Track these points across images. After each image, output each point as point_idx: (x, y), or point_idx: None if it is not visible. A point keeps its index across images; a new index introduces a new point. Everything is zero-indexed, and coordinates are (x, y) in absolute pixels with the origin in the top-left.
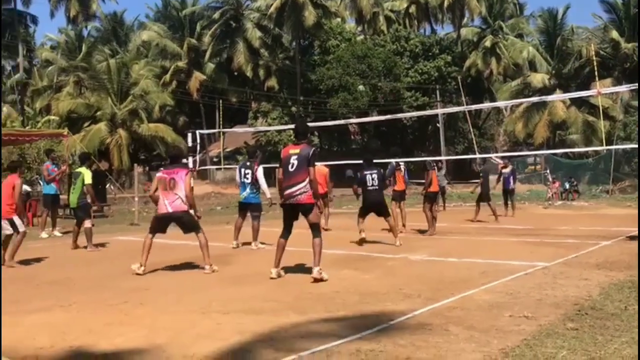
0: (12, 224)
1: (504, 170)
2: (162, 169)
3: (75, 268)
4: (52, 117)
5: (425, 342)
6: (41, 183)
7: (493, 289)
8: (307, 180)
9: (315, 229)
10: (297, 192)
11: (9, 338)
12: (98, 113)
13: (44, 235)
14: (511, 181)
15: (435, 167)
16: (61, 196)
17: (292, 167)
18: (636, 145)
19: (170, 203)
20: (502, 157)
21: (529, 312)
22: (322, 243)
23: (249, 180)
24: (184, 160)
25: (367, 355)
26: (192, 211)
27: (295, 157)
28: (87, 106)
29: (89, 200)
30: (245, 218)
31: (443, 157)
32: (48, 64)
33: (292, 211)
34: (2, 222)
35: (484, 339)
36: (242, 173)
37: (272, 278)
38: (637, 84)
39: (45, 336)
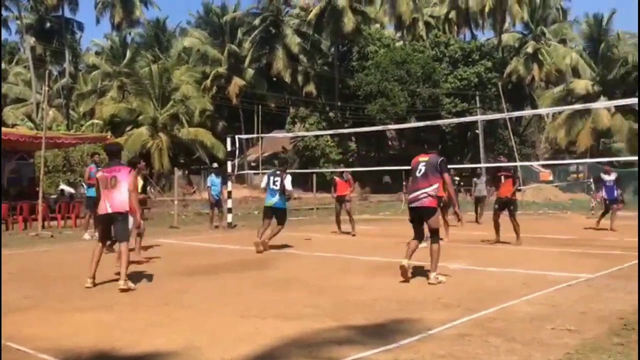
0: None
1: (607, 178)
2: (103, 167)
3: (117, 269)
4: (96, 121)
5: (464, 352)
6: (84, 185)
7: (535, 300)
8: (434, 186)
9: (435, 234)
10: (422, 196)
11: (52, 336)
12: (140, 117)
13: (86, 236)
14: (615, 190)
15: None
16: None
17: (419, 172)
18: None
19: (110, 203)
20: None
21: (572, 325)
22: (440, 250)
23: (277, 188)
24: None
25: None
26: (132, 216)
27: (424, 164)
28: (129, 110)
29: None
30: (270, 222)
31: (482, 165)
32: (93, 68)
33: (416, 214)
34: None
35: (526, 351)
36: (272, 180)
37: (401, 266)
38: None
39: (88, 335)
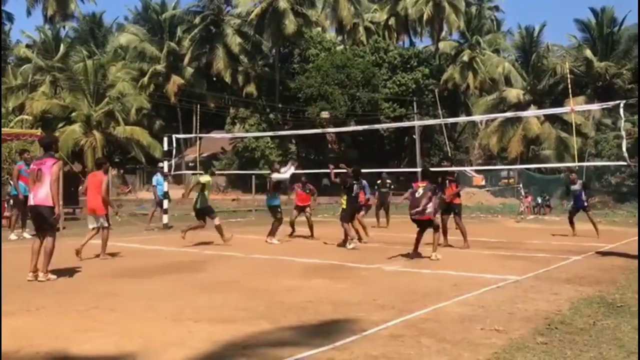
0: (104, 219)
1: (574, 187)
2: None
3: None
4: (26, 117)
5: (397, 353)
6: (11, 184)
7: (465, 301)
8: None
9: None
10: (422, 210)
11: None
12: (73, 114)
13: (12, 236)
14: (582, 197)
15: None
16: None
17: (418, 194)
18: (606, 163)
19: (34, 196)
20: (569, 170)
21: (500, 325)
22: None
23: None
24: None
25: None
26: (57, 208)
27: (422, 189)
28: (62, 107)
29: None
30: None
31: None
32: (23, 62)
33: (419, 224)
34: (98, 217)
35: (456, 351)
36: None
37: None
38: (608, 103)
39: (11, 341)
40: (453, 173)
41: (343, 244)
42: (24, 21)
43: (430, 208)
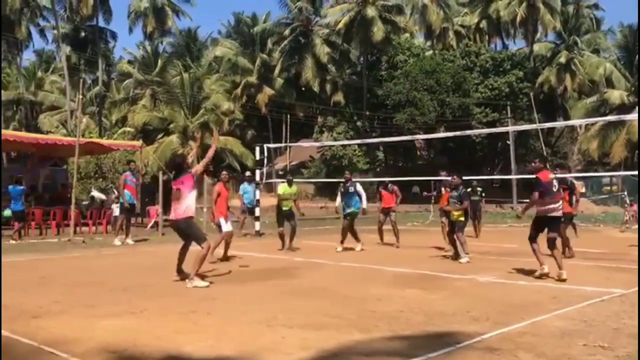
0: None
1: None
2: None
3: (147, 275)
4: (128, 129)
5: None
6: (115, 192)
7: (566, 315)
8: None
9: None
10: (560, 207)
11: (82, 341)
12: (171, 125)
13: (117, 242)
14: None
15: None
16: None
17: (555, 187)
18: None
19: (174, 211)
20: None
21: (604, 341)
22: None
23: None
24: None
25: None
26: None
27: (555, 181)
28: (160, 119)
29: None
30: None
31: (513, 176)
32: (125, 77)
33: (551, 224)
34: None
35: None
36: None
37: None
38: None
39: (117, 341)
40: (566, 180)
41: (456, 257)
42: (126, 38)
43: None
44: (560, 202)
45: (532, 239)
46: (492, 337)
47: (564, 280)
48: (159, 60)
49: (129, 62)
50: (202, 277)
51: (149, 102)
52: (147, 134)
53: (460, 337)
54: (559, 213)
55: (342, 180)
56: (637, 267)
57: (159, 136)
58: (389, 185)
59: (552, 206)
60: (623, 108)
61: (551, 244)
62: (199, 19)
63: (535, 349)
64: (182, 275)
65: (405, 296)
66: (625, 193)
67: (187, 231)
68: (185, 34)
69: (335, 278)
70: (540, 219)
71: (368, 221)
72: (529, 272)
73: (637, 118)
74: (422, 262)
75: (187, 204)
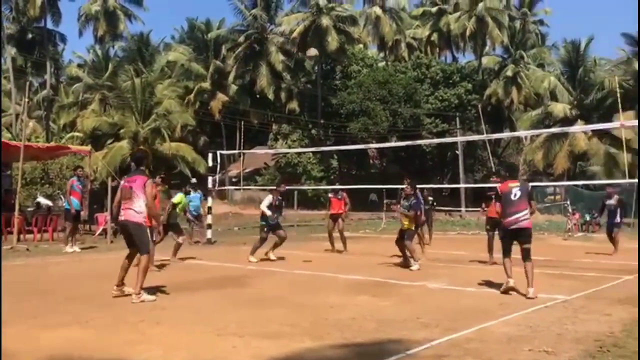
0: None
1: (608, 202)
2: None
3: (94, 284)
4: (77, 134)
5: None
6: (62, 198)
7: (512, 321)
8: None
9: (528, 253)
10: (522, 218)
11: (29, 352)
12: (121, 131)
13: (68, 249)
14: (618, 214)
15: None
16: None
17: (515, 196)
18: None
19: (124, 212)
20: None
21: (549, 347)
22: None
23: None
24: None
25: None
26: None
27: (517, 189)
28: (110, 124)
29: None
30: None
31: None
32: (75, 81)
33: (515, 236)
34: None
35: None
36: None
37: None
38: None
39: (62, 352)
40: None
41: (405, 264)
42: (75, 42)
43: (528, 214)
44: (525, 211)
45: (505, 253)
46: (441, 343)
47: (531, 299)
48: (110, 65)
49: (79, 65)
50: (149, 289)
51: (99, 106)
52: (96, 139)
53: (410, 344)
54: (524, 224)
55: (296, 188)
56: (580, 274)
57: (109, 142)
58: (339, 192)
59: (515, 217)
60: (566, 121)
61: (525, 255)
62: (152, 23)
63: (482, 354)
64: (123, 289)
65: (358, 303)
66: (568, 202)
67: (136, 237)
68: (137, 39)
69: (288, 286)
70: (505, 232)
71: (320, 229)
72: (478, 279)
73: (578, 130)
74: (374, 269)
75: (140, 206)
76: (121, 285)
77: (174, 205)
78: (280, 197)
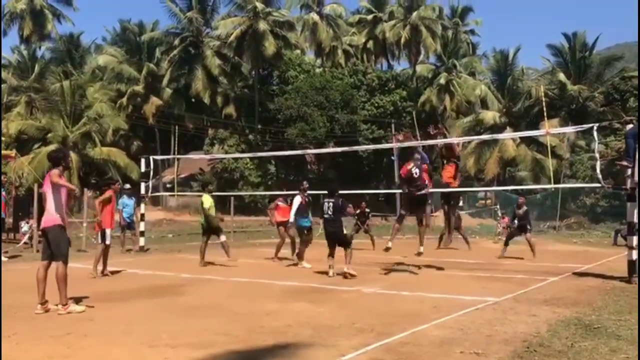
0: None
1: (517, 211)
2: None
3: (17, 295)
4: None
5: None
6: None
7: (444, 324)
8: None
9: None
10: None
11: None
12: (49, 135)
13: (4, 258)
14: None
15: None
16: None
17: (416, 174)
18: (581, 185)
19: (43, 219)
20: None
21: (479, 348)
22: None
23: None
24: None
25: None
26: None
27: (415, 167)
28: (37, 128)
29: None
30: None
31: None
32: None
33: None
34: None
35: None
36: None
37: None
38: (582, 126)
39: None
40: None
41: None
42: None
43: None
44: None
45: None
46: (375, 348)
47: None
48: (37, 66)
49: (3, 66)
50: (76, 299)
51: (25, 109)
52: (22, 144)
53: (345, 349)
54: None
55: (233, 194)
56: (509, 276)
57: (36, 146)
58: (288, 198)
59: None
60: (495, 128)
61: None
62: (82, 24)
63: (416, 358)
64: (47, 307)
65: (294, 310)
66: (498, 206)
67: (52, 241)
68: (66, 39)
69: (224, 294)
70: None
71: (258, 235)
72: (411, 283)
73: (507, 137)
74: (310, 275)
75: (53, 206)
76: (45, 302)
77: (208, 209)
78: (307, 195)
